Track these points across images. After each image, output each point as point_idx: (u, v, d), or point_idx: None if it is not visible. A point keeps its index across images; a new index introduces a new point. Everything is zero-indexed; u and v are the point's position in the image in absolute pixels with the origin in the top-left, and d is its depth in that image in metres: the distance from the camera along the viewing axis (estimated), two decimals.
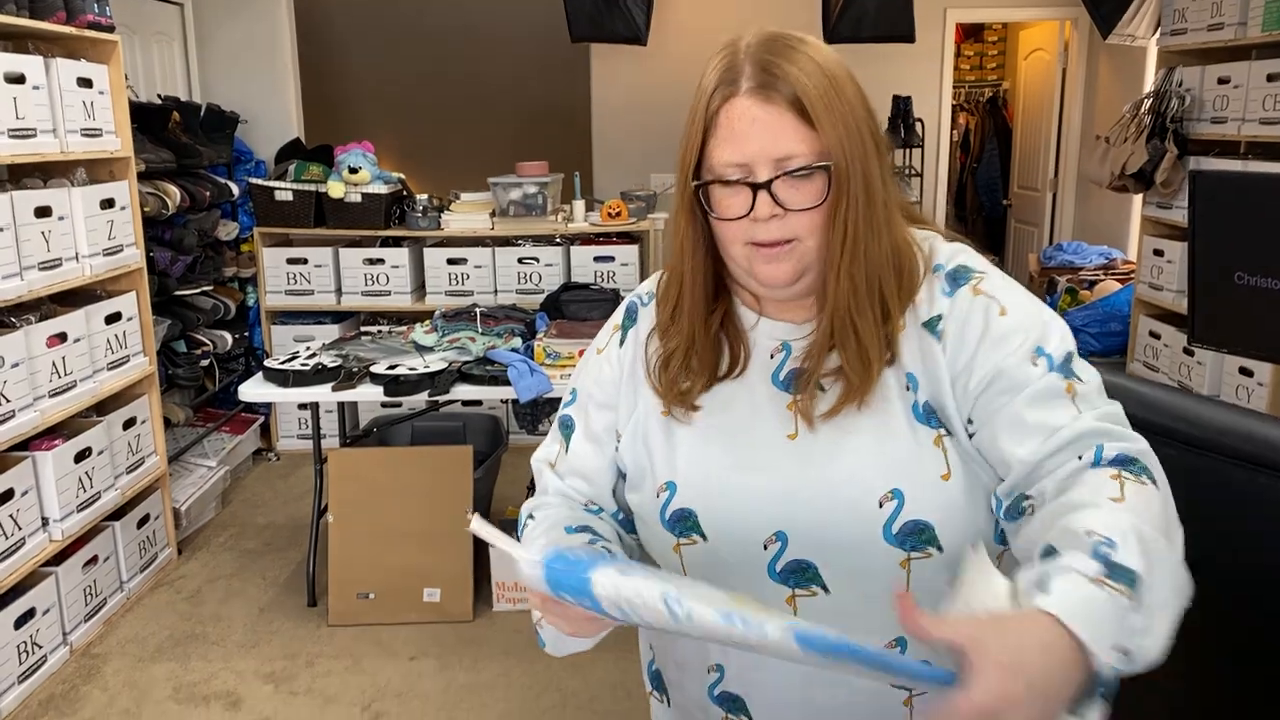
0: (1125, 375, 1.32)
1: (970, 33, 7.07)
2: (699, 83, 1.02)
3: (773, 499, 0.99)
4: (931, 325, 1.00)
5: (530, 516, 1.12)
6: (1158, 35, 4.13)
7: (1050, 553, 0.81)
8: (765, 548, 0.99)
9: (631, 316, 1.14)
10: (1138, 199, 4.42)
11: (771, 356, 1.05)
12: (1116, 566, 0.77)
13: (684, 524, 1.02)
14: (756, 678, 1.03)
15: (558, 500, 1.13)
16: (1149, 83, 4.26)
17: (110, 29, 3.06)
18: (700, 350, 1.05)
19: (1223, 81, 3.56)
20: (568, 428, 1.14)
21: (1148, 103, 3.92)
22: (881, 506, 0.96)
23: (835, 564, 0.98)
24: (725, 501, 1.01)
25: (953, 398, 0.98)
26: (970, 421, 0.98)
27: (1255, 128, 3.36)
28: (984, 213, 6.70)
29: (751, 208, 0.96)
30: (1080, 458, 0.90)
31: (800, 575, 0.99)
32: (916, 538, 0.96)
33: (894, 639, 0.99)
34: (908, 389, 1.00)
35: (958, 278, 1.01)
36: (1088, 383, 0.95)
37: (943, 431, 0.98)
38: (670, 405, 1.06)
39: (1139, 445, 0.92)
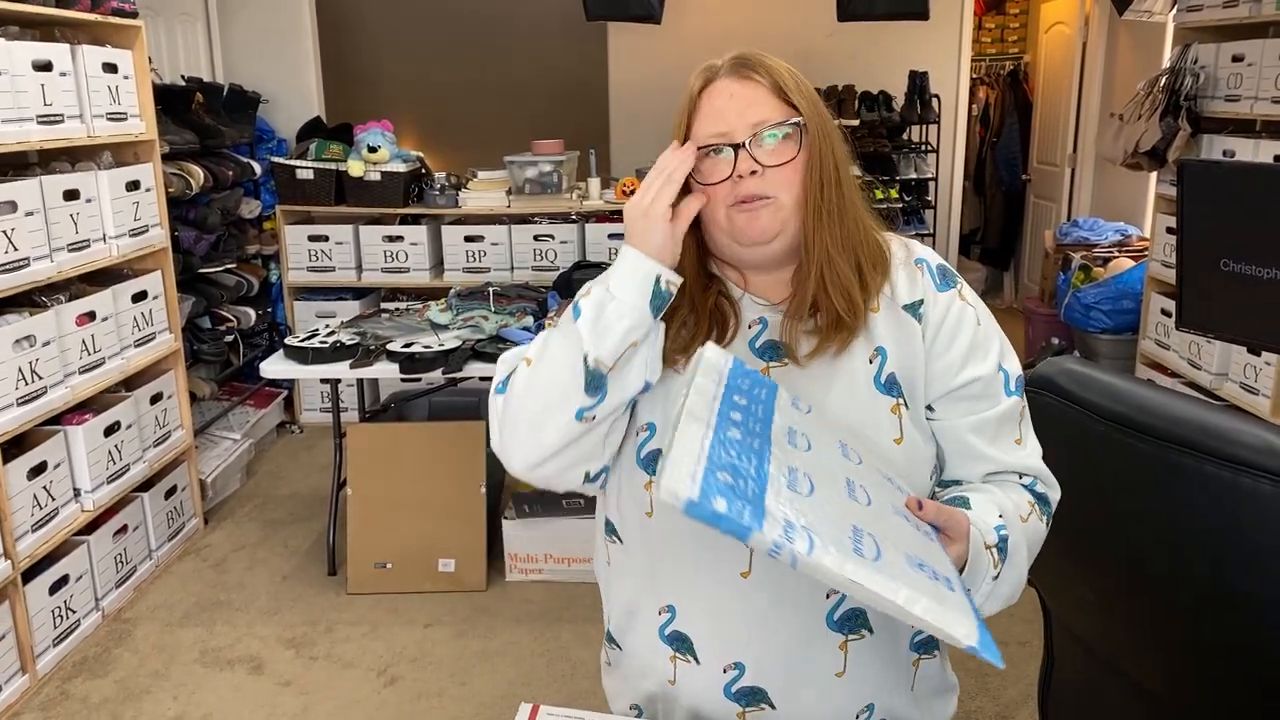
0: (1094, 366, 1.37)
1: (992, 4, 7.00)
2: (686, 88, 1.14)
3: None
4: (913, 308, 1.14)
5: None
6: (1174, 11, 4.09)
7: (961, 494, 1.11)
8: None
9: None
10: (1154, 175, 4.41)
11: (750, 327, 1.15)
12: (1004, 549, 1.06)
13: (658, 463, 1.09)
14: (703, 618, 1.13)
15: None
16: (1167, 59, 4.24)
17: (134, 14, 3.13)
18: (696, 318, 1.14)
19: (1237, 59, 3.53)
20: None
21: (1162, 80, 3.90)
22: None
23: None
24: None
25: (924, 378, 1.13)
26: (931, 409, 1.14)
27: (1268, 106, 3.34)
28: (1003, 187, 6.65)
29: (734, 167, 1.08)
30: (1020, 478, 1.15)
31: None
32: None
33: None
34: (871, 361, 1.12)
35: (947, 277, 1.17)
36: (1024, 401, 1.18)
37: (901, 402, 1.12)
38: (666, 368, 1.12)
39: (1055, 495, 1.18)
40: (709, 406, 0.92)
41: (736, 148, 1.07)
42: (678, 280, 1.05)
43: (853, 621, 1.12)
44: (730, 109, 1.08)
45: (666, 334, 1.12)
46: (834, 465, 0.95)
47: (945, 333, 1.13)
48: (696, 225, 1.15)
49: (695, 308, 1.14)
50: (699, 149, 1.09)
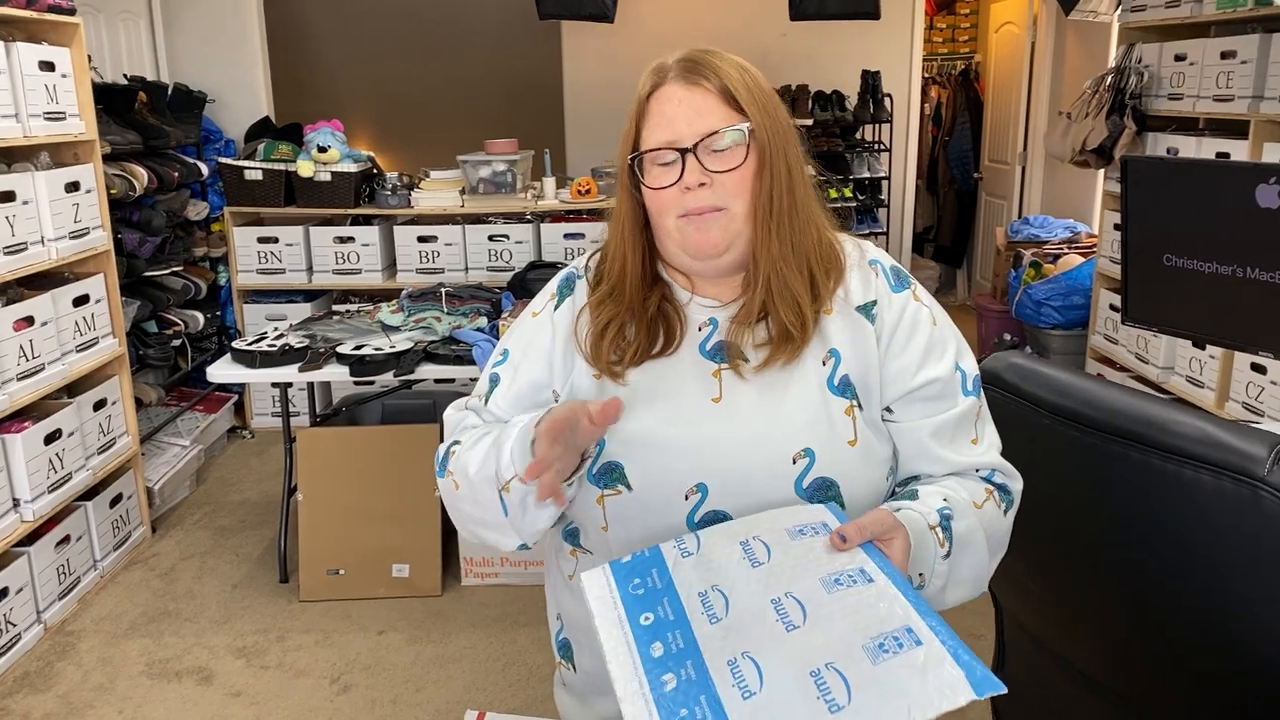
0: (1039, 361, 1.38)
1: (943, 5, 7.08)
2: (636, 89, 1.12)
3: (696, 453, 1.07)
4: (866, 309, 1.12)
5: (456, 442, 1.16)
6: (1119, 11, 4.16)
7: (912, 487, 1.10)
8: (686, 498, 1.07)
9: (570, 285, 1.21)
10: (1102, 173, 4.47)
11: (699, 329, 1.14)
12: (949, 529, 1.04)
13: (610, 476, 1.09)
14: None
15: (480, 427, 1.18)
16: (1113, 58, 4.31)
17: (71, 11, 3.06)
18: (637, 325, 1.12)
19: (1179, 59, 3.59)
20: (494, 383, 1.20)
21: (1108, 79, 3.96)
22: (795, 463, 1.07)
23: (750, 515, 1.06)
24: (652, 454, 1.08)
25: (879, 380, 1.11)
26: (890, 410, 1.12)
27: (1209, 104, 3.40)
28: (955, 186, 6.73)
29: (681, 174, 1.06)
30: (978, 471, 1.14)
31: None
32: (824, 493, 1.08)
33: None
34: (824, 364, 1.10)
35: (901, 278, 1.16)
36: (982, 399, 1.17)
37: (855, 403, 1.10)
38: (600, 373, 1.13)
39: (1016, 485, 1.16)
40: (631, 664, 0.88)
41: (684, 153, 1.06)
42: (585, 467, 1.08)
43: None
44: (679, 116, 1.07)
45: (604, 341, 1.13)
46: (755, 597, 0.91)
47: (901, 334, 1.12)
48: (646, 227, 1.14)
49: (637, 316, 1.13)
50: (648, 153, 1.08)
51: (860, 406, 1.10)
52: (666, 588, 0.95)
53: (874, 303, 1.13)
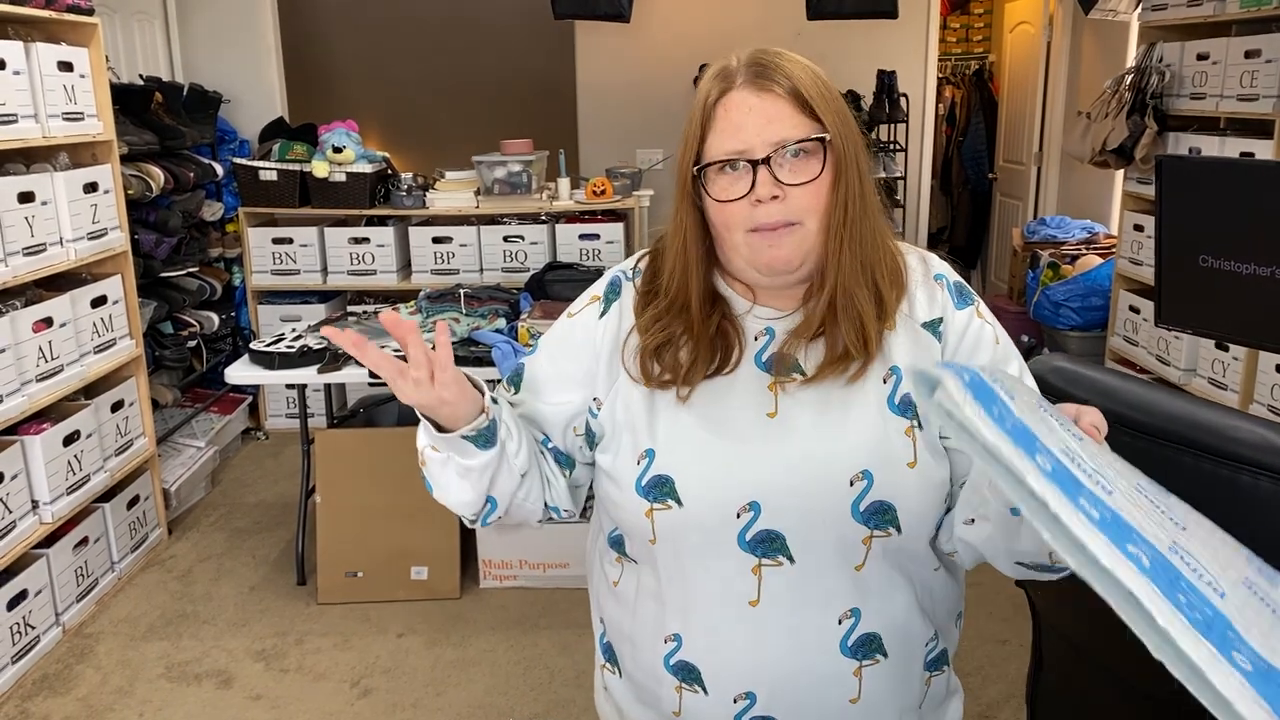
0: (1086, 364, 1.36)
1: (957, 4, 7.05)
2: (697, 92, 1.07)
3: (750, 470, 1.04)
4: (933, 326, 1.08)
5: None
6: (1139, 10, 4.13)
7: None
8: (738, 516, 1.04)
9: (616, 289, 1.16)
10: (1120, 173, 4.44)
11: (756, 339, 1.09)
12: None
13: (660, 490, 1.06)
14: (712, 647, 1.08)
15: None
16: (1132, 58, 4.28)
17: (90, 11, 3.05)
18: (694, 344, 1.07)
19: (1202, 58, 3.57)
20: (518, 375, 1.18)
21: (1128, 78, 3.93)
22: (852, 485, 1.03)
23: (802, 535, 1.04)
24: (703, 470, 1.05)
25: None
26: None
27: (1233, 104, 3.37)
28: (969, 186, 6.70)
29: (752, 187, 1.00)
30: None
31: (769, 545, 1.04)
32: (880, 517, 1.03)
33: (849, 609, 1.06)
34: (885, 381, 1.06)
35: (964, 294, 1.11)
36: None
37: (915, 424, 1.05)
38: (654, 389, 1.08)
39: None
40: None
41: (755, 164, 1.00)
42: (484, 422, 1.03)
43: (866, 647, 1.07)
44: (749, 124, 1.00)
45: (657, 360, 1.08)
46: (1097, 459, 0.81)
47: (964, 352, 1.08)
48: (707, 238, 1.08)
49: (695, 334, 1.07)
50: (715, 164, 1.02)
51: (920, 426, 1.06)
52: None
53: (940, 320, 1.09)
